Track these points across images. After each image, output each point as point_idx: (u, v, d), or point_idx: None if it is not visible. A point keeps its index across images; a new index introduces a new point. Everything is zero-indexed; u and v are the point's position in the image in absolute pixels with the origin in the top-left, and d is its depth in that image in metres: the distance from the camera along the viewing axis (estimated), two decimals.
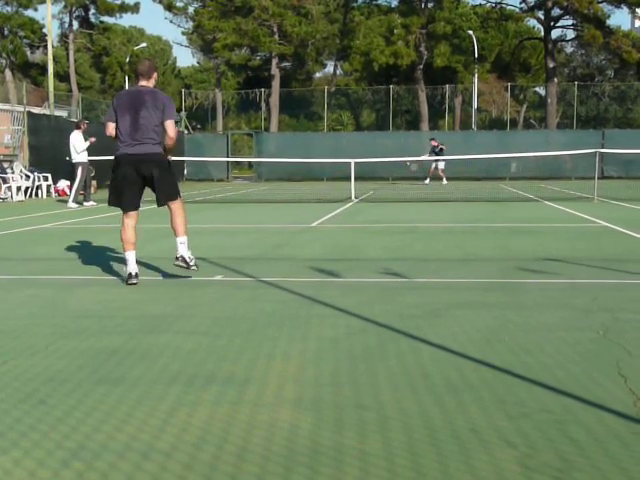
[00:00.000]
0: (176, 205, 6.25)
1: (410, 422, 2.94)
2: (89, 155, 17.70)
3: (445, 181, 28.00)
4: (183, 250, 6.24)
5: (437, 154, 27.52)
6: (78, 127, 17.47)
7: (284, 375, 3.59)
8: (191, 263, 6.25)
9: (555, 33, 45.93)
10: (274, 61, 46.79)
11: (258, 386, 3.41)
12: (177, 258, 6.27)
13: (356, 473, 2.48)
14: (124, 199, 6.22)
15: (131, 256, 6.21)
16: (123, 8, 50.56)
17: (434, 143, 28.05)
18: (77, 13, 51.25)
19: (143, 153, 6.11)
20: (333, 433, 2.83)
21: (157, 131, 6.14)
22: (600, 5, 41.77)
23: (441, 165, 28.03)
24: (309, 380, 3.52)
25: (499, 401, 3.17)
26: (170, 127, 6.17)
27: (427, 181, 27.95)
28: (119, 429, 2.89)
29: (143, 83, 6.28)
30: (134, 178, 6.17)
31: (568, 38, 49.19)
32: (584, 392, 3.28)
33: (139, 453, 2.65)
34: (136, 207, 6.30)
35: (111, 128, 6.22)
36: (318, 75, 59.32)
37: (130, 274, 6.18)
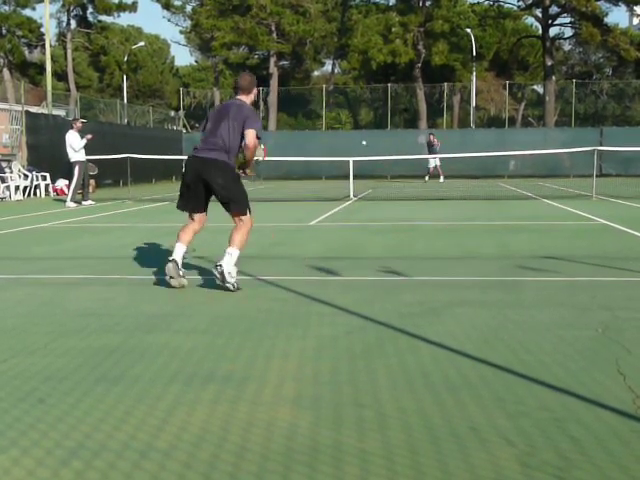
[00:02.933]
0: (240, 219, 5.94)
1: (409, 420, 2.94)
2: (90, 154, 17.67)
3: (427, 179, 27.89)
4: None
5: (430, 151, 27.49)
6: (72, 126, 17.36)
7: (283, 373, 3.59)
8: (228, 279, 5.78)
9: (553, 31, 45.92)
10: (272, 60, 46.71)
11: (257, 384, 3.41)
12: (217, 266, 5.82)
13: (355, 471, 2.47)
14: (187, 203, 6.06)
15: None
16: (121, 7, 50.40)
17: (432, 138, 28.06)
18: (75, 12, 51.09)
19: (208, 158, 5.89)
20: (332, 431, 2.83)
21: (228, 140, 5.89)
22: (598, 3, 41.75)
23: (436, 163, 27.93)
24: (308, 378, 3.52)
25: (498, 399, 3.17)
26: (248, 135, 5.84)
27: (442, 179, 27.86)
28: (118, 428, 2.89)
29: (240, 97, 6.08)
30: (196, 182, 5.95)
31: (566, 36, 49.18)
32: (583, 390, 3.28)
33: (138, 452, 2.65)
34: (199, 211, 6.06)
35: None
36: (316, 74, 59.27)
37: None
